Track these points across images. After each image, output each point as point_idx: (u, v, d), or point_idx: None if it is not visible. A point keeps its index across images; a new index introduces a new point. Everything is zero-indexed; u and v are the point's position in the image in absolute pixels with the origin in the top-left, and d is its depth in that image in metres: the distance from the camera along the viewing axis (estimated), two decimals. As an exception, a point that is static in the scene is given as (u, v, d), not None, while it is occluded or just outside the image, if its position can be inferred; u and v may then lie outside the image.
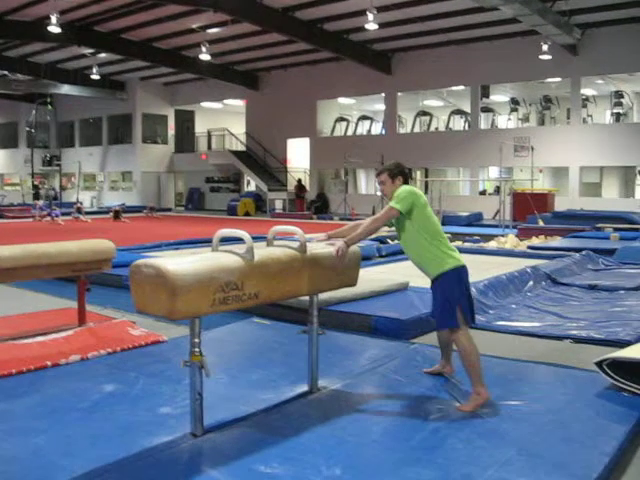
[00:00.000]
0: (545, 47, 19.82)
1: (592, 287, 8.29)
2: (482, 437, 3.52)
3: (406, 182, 4.36)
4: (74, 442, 3.43)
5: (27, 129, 34.32)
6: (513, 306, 7.13)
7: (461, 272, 4.19)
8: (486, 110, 25.59)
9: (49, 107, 32.76)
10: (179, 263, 3.18)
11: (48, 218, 22.39)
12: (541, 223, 16.40)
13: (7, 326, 5.90)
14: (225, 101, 32.20)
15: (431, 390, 4.27)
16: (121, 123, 34.13)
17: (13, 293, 7.83)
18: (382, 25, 20.21)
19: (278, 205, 27.68)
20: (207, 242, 11.53)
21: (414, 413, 3.87)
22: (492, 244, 13.49)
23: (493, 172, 25.45)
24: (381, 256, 10.67)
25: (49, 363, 4.73)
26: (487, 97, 24.91)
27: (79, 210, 23.39)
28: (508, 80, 23.62)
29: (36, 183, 33.08)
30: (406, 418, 3.82)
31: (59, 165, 32.74)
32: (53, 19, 20.36)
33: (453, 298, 4.07)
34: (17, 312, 6.66)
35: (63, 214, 22.57)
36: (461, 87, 24.90)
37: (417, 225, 4.14)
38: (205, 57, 24.06)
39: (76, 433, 3.55)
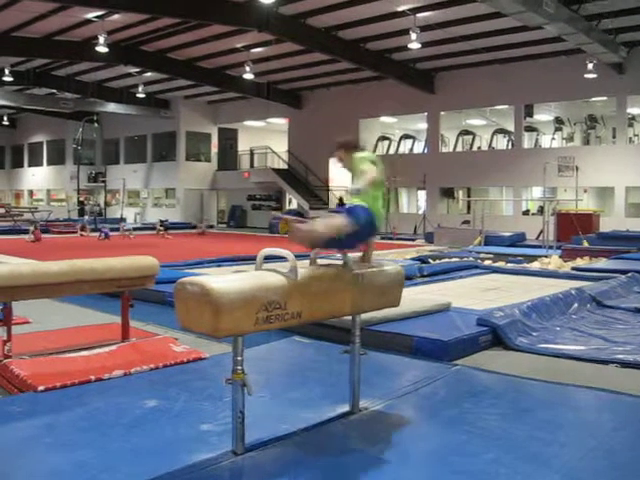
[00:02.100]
0: (590, 66, 19.64)
1: (638, 310, 8.12)
2: (526, 462, 3.45)
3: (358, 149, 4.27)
4: (116, 457, 3.45)
5: (74, 146, 34.95)
6: (557, 328, 7.01)
7: None
8: (530, 129, 25.40)
9: (95, 125, 33.41)
10: (223, 281, 3.20)
11: (95, 234, 22.71)
12: (586, 244, 16.15)
13: (52, 340, 5.99)
14: (268, 119, 32.46)
15: (473, 413, 4.21)
16: (165, 141, 34.64)
17: (59, 307, 7.96)
18: (425, 44, 20.24)
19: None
20: (248, 260, 11.58)
21: (456, 436, 3.82)
22: (535, 265, 13.31)
23: (536, 192, 25.18)
24: (422, 276, 10.60)
25: (93, 377, 4.78)
26: (531, 116, 24.71)
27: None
28: (552, 99, 23.41)
29: (81, 199, 33.67)
30: (447, 441, 3.76)
31: (104, 182, 33.30)
32: (101, 39, 20.80)
33: None
34: (62, 326, 6.76)
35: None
36: (505, 106, 24.76)
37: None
38: (249, 76, 24.35)
39: (118, 448, 3.56)
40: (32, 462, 3.42)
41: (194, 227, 27.76)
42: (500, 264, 12.92)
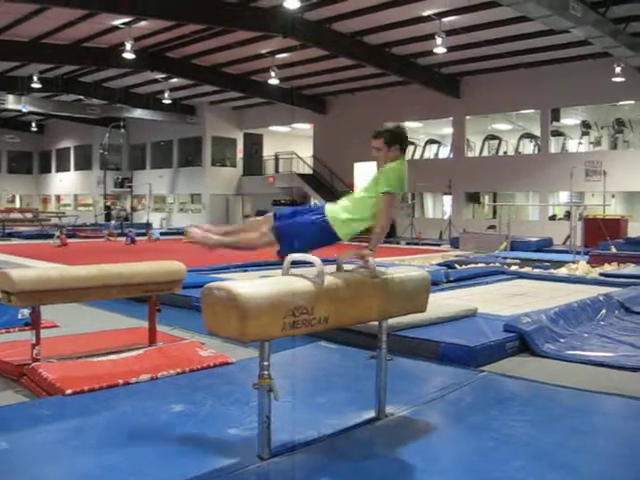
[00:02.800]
0: (618, 69, 19.47)
1: (668, 317, 8.02)
2: (554, 470, 3.41)
3: (403, 151, 4.15)
4: (144, 461, 3.47)
5: (100, 152, 35.26)
6: (585, 335, 6.94)
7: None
8: (556, 134, 25.19)
9: (122, 130, 33.66)
10: (250, 286, 3.21)
11: (122, 239, 22.87)
12: (614, 250, 15.98)
13: (80, 344, 6.04)
14: (293, 125, 32.54)
15: (500, 420, 4.18)
16: (191, 146, 34.86)
17: (86, 312, 8.03)
18: (450, 49, 20.17)
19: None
20: (274, 265, 11.58)
21: (483, 443, 3.79)
22: (562, 271, 13.20)
23: (563, 197, 24.98)
24: (449, 281, 10.55)
25: (120, 381, 4.82)
26: (557, 120, 24.51)
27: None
28: (579, 103, 23.21)
29: (108, 204, 33.95)
30: (475, 448, 3.74)
31: (130, 187, 33.57)
32: (128, 46, 21.02)
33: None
34: (90, 330, 6.82)
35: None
36: (531, 110, 24.59)
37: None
38: (274, 82, 24.44)
39: (146, 452, 3.58)
40: (60, 465, 3.44)
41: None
42: (526, 270, 12.83)
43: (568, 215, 22.24)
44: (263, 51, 23.42)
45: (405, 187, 4.04)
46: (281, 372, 4.91)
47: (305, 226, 3.96)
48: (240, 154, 34.79)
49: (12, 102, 28.54)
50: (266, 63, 24.23)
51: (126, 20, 20.60)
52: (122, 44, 21.56)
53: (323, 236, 3.98)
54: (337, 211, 4.03)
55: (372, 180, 4.07)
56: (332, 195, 29.27)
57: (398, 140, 4.10)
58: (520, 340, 6.23)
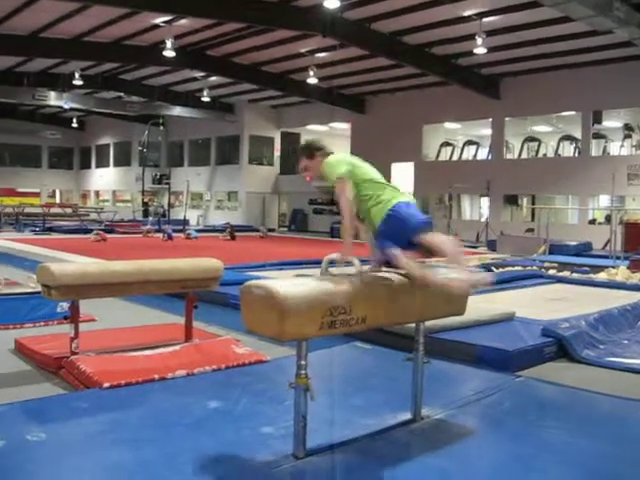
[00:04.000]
0: (662, 72, 19.11)
1: None
2: (592, 477, 3.36)
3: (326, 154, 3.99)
4: (178, 456, 3.49)
5: (139, 148, 35.67)
6: (625, 341, 6.81)
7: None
8: (598, 136, 24.80)
9: (161, 128, 33.98)
10: (289, 285, 3.21)
11: (159, 235, 23.08)
12: (655, 255, 15.68)
13: (117, 338, 6.09)
14: (331, 124, 32.52)
15: (538, 426, 4.12)
16: (229, 144, 35.05)
17: (124, 306, 8.10)
18: (491, 49, 20.00)
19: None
20: (310, 263, 11.60)
21: (521, 449, 3.74)
22: (602, 276, 12.97)
23: (604, 200, 24.60)
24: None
25: (156, 376, 4.85)
26: (599, 123, 24.12)
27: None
28: (622, 105, 22.81)
29: (146, 200, 34.29)
30: (512, 454, 3.68)
31: (168, 184, 33.86)
32: (168, 44, 21.22)
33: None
34: (127, 325, 6.88)
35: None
36: (572, 112, 24.25)
37: (363, 175, 3.92)
38: (312, 81, 24.44)
39: (181, 447, 3.60)
40: (97, 457, 3.48)
41: (256, 230, 27.98)
42: (565, 274, 12.64)
43: (608, 219, 21.90)
44: (302, 50, 23.45)
45: (350, 161, 3.90)
46: (316, 372, 4.90)
47: None
48: (277, 152, 34.88)
49: (54, 99, 28.97)
50: (305, 62, 24.25)
51: (167, 18, 20.77)
52: (162, 42, 21.77)
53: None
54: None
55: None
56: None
57: (313, 149, 4.00)
58: (558, 345, 6.14)
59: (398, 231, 3.70)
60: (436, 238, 3.71)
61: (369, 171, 3.97)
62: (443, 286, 3.64)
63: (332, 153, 4.01)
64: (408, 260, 3.68)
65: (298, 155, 4.08)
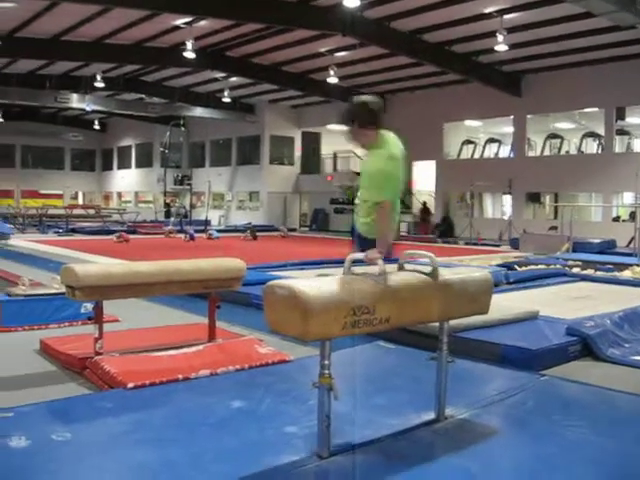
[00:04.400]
0: (687, 67, 18.88)
1: None
2: (616, 477, 3.33)
3: (378, 126, 3.82)
4: (202, 456, 3.50)
5: (161, 149, 35.86)
6: (651, 340, 6.74)
7: None
8: (621, 133, 24.55)
9: (182, 129, 34.13)
10: (312, 285, 3.20)
11: (181, 235, 23.19)
12: (680, 252, 15.50)
13: (141, 338, 6.13)
14: (351, 123, 32.45)
15: (563, 425, 4.08)
16: (249, 144, 35.13)
17: (147, 307, 8.15)
18: (512, 46, 19.88)
19: (402, 228, 27.58)
20: (332, 263, 11.58)
21: (545, 448, 3.70)
22: (626, 274, 12.84)
23: (628, 198, 24.36)
24: (509, 283, 10.38)
25: (180, 376, 4.87)
26: (623, 119, 23.86)
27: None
28: (645, 102, 22.60)
29: (168, 201, 34.46)
30: (537, 454, 3.65)
31: (190, 184, 34.01)
32: (188, 45, 21.31)
33: None
34: (150, 325, 6.92)
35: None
36: (595, 109, 24.04)
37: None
38: (333, 80, 24.43)
39: (204, 447, 3.61)
40: (121, 457, 3.50)
41: (276, 230, 28.04)
42: (589, 272, 12.53)
43: (633, 216, 21.67)
44: (322, 50, 23.44)
45: (399, 184, 3.78)
46: (339, 371, 4.90)
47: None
48: (298, 152, 34.91)
49: (76, 101, 29.20)
50: (325, 61, 24.25)
51: (187, 20, 20.87)
52: (183, 43, 21.88)
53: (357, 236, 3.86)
54: (358, 213, 3.93)
55: (364, 179, 3.88)
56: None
57: (367, 119, 3.80)
58: (583, 344, 6.08)
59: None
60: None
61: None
62: None
63: (383, 130, 3.87)
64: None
65: (348, 115, 3.82)
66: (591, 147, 25.99)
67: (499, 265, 12.99)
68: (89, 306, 6.19)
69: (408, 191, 29.03)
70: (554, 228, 22.00)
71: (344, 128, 3.86)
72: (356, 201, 3.93)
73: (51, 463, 3.35)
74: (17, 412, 4.05)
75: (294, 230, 30.96)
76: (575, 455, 3.61)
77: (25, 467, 3.30)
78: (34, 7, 19.37)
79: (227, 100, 30.69)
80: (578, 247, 17.51)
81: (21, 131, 40.23)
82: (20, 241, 20.03)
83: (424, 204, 27.78)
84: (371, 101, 3.82)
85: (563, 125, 27.56)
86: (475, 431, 3.98)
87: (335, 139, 34.09)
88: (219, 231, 25.90)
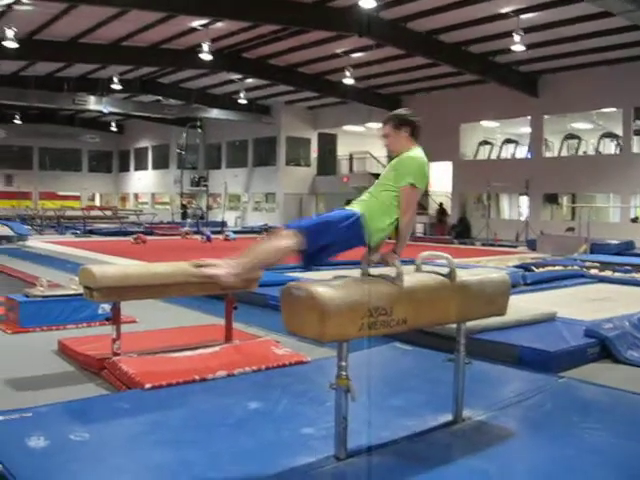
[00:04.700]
0: None
1: None
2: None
3: (414, 136, 3.88)
4: (220, 456, 3.51)
5: (177, 151, 36.03)
6: (670, 342, 6.68)
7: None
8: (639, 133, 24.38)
9: (198, 130, 34.25)
10: (330, 286, 3.20)
11: (197, 237, 23.27)
12: (699, 253, 15.35)
13: (158, 339, 6.15)
14: (367, 124, 32.45)
15: (581, 428, 4.05)
16: (266, 146, 35.19)
17: (164, 308, 8.17)
18: (529, 46, 19.79)
19: (419, 229, 27.51)
20: (348, 264, 11.52)
21: (563, 451, 3.67)
22: (645, 275, 12.75)
23: (646, 198, 24.17)
24: (526, 284, 10.32)
25: (197, 377, 4.88)
26: (641, 119, 23.74)
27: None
28: (664, 101, 22.42)
29: (184, 203, 34.58)
30: (555, 456, 3.62)
31: (206, 186, 34.10)
32: (205, 47, 21.41)
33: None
34: (167, 326, 6.94)
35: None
36: (613, 109, 23.88)
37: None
38: (349, 81, 24.43)
39: (222, 448, 3.62)
40: (139, 457, 3.52)
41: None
42: (607, 273, 12.43)
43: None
44: (338, 51, 23.44)
45: (426, 182, 3.83)
46: (356, 373, 4.90)
47: (335, 222, 3.69)
48: (314, 154, 34.92)
49: (93, 103, 29.38)
50: (341, 63, 24.25)
51: (203, 22, 20.93)
52: (199, 45, 21.97)
53: (349, 236, 3.72)
54: (372, 217, 3.73)
55: (390, 172, 3.85)
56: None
57: (406, 122, 3.90)
58: (601, 346, 6.04)
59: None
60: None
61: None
62: None
63: (418, 134, 3.93)
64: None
65: (385, 120, 3.96)
66: (609, 148, 25.82)
67: (516, 266, 12.92)
68: (106, 307, 6.24)
69: (425, 192, 28.95)
70: (571, 229, 21.85)
71: (386, 128, 3.93)
72: (364, 196, 3.87)
73: (70, 463, 3.37)
74: (36, 412, 4.08)
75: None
76: (593, 458, 3.58)
77: (44, 467, 3.32)
78: (52, 10, 19.50)
79: (243, 101, 30.77)
80: (596, 248, 17.39)
81: (39, 133, 40.55)
82: (38, 242, 20.17)
83: (440, 205, 27.71)
84: (402, 110, 4.10)
85: (580, 125, 27.40)
86: (492, 433, 3.97)
87: (351, 140, 34.16)
88: (235, 232, 25.96)
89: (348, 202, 4.00)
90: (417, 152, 3.84)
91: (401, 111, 4.07)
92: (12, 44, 19.37)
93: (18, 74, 27.81)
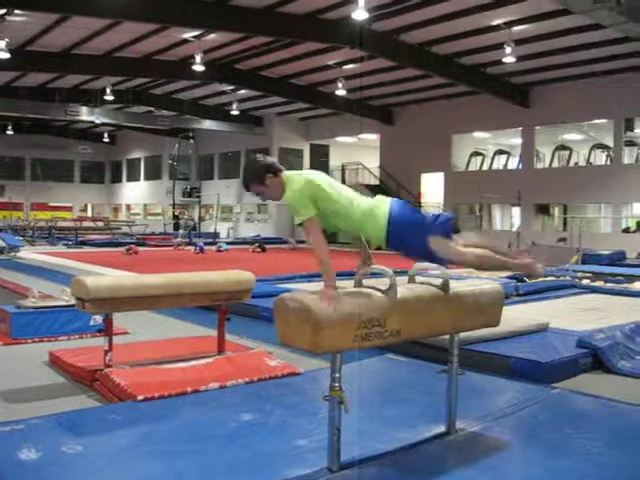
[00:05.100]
0: (696, 78, 18.85)
1: None
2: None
3: (278, 173, 3.69)
4: (213, 468, 3.50)
5: (170, 162, 36.01)
6: (662, 352, 6.70)
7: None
8: (630, 144, 24.51)
9: (191, 141, 34.26)
10: (324, 298, 3.20)
11: (190, 248, 23.26)
12: (691, 264, 15.41)
13: (151, 350, 6.14)
14: (359, 135, 32.53)
15: (574, 438, 4.05)
16: (258, 157, 35.16)
17: (156, 319, 8.16)
18: (520, 58, 19.89)
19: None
20: (341, 275, 11.54)
21: (557, 462, 3.68)
22: (637, 285, 12.77)
23: (637, 208, 24.27)
24: (518, 295, 10.35)
25: (190, 389, 4.87)
26: (631, 130, 23.86)
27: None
28: (655, 113, 22.56)
29: (176, 213, 34.57)
30: (548, 467, 3.62)
31: (199, 196, 34.06)
32: (197, 58, 21.45)
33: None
34: (159, 338, 6.92)
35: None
36: (603, 120, 24.02)
37: (331, 205, 3.59)
38: (341, 92, 24.51)
39: (215, 460, 3.61)
40: (132, 469, 3.50)
41: (285, 242, 28.09)
42: (599, 284, 12.48)
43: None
44: (330, 62, 23.52)
45: (323, 182, 3.63)
46: (348, 384, 4.89)
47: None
48: (307, 164, 34.96)
49: (86, 114, 29.33)
50: (333, 74, 24.33)
51: (196, 33, 20.98)
52: (192, 57, 22.01)
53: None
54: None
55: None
56: (398, 206, 29.09)
57: (263, 171, 3.69)
58: (593, 356, 6.05)
59: (417, 230, 3.53)
60: (462, 249, 3.59)
61: (330, 185, 3.68)
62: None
63: (281, 170, 3.74)
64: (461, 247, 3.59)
65: (247, 181, 3.77)
66: (600, 158, 25.95)
67: (509, 277, 12.94)
68: (98, 319, 6.22)
69: (417, 203, 29.04)
70: (563, 240, 21.92)
71: (254, 189, 3.78)
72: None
73: (62, 476, 3.35)
74: (28, 424, 4.06)
75: (303, 242, 30.91)
76: (587, 468, 3.58)
77: (36, 480, 3.31)
78: (45, 21, 19.52)
79: (236, 113, 30.83)
80: (588, 259, 17.45)
81: (31, 144, 40.50)
82: (30, 253, 20.12)
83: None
84: (252, 159, 3.83)
85: (572, 137, 27.54)
86: (486, 444, 3.97)
87: (343, 151, 34.26)
88: (228, 243, 25.96)
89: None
90: (291, 186, 3.63)
91: (248, 167, 3.84)
92: (4, 55, 19.33)
93: (10, 85, 27.76)
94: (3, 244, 19.63)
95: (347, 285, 3.63)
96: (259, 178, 3.69)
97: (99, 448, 3.78)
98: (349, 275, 3.80)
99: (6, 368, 5.85)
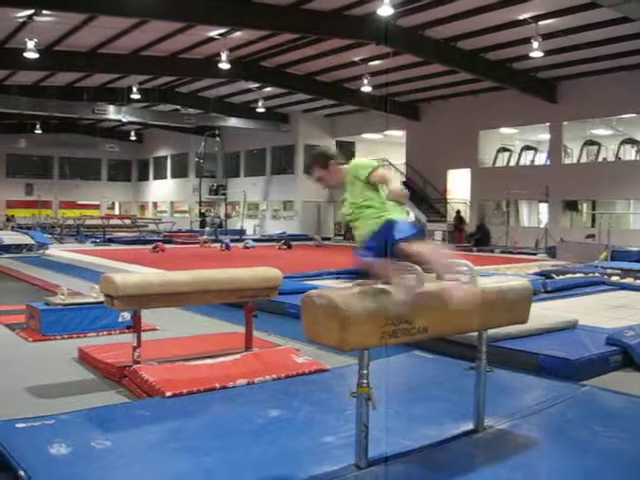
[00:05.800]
0: None
1: None
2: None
3: (338, 160, 3.94)
4: (240, 465, 3.51)
5: (196, 160, 36.15)
6: (694, 349, 6.59)
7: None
8: (660, 139, 24.19)
9: (217, 139, 34.35)
10: (351, 295, 3.20)
11: (216, 245, 23.35)
12: None
13: (179, 347, 6.18)
14: (385, 132, 32.41)
15: (604, 436, 4.00)
16: (284, 154, 35.25)
17: (184, 316, 8.20)
18: (548, 52, 19.68)
19: (437, 236, 27.37)
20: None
21: (586, 460, 3.64)
22: (667, 281, 12.62)
23: (667, 205, 23.94)
24: (546, 291, 10.25)
25: (218, 385, 4.89)
26: (661, 125, 23.55)
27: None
28: (684, 107, 22.22)
29: (203, 211, 34.72)
30: (577, 465, 3.59)
31: (225, 194, 34.17)
32: (223, 56, 21.48)
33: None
34: (187, 334, 6.97)
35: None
36: (633, 115, 23.70)
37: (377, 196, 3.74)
38: (366, 89, 24.45)
39: (243, 456, 3.62)
40: (160, 465, 3.53)
41: (311, 239, 28.12)
42: (628, 280, 12.33)
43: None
44: (356, 59, 23.46)
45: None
46: (376, 381, 4.88)
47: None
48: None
49: (113, 112, 29.59)
50: (359, 70, 24.26)
51: (222, 31, 21.03)
52: (217, 55, 22.06)
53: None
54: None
55: (355, 188, 3.79)
56: (425, 203, 29.06)
57: (328, 158, 3.94)
58: (624, 354, 5.98)
59: (381, 243, 3.58)
60: (416, 247, 3.58)
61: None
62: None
63: (343, 163, 3.96)
64: (391, 271, 3.49)
65: (311, 165, 4.01)
66: (629, 154, 25.62)
67: (536, 274, 12.85)
68: (126, 315, 6.28)
69: (443, 199, 28.90)
70: (592, 236, 21.69)
71: (316, 172, 3.98)
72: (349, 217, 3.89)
73: (91, 471, 3.39)
74: (58, 420, 4.10)
75: (328, 239, 30.94)
76: (616, 466, 3.55)
77: (66, 475, 3.34)
78: (72, 21, 19.68)
79: (261, 110, 30.86)
80: (617, 255, 17.24)
81: (59, 143, 40.87)
82: (58, 251, 20.33)
83: (458, 212, 27.61)
84: (320, 148, 4.18)
85: (600, 132, 27.21)
86: (514, 442, 3.94)
87: (369, 148, 34.14)
88: (254, 240, 26.02)
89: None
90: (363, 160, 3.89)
91: (315, 152, 4.09)
92: (33, 55, 19.54)
93: (38, 84, 28.05)
94: (32, 242, 19.85)
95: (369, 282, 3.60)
96: (323, 163, 3.95)
97: (128, 444, 3.81)
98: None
99: (36, 364, 5.92)
